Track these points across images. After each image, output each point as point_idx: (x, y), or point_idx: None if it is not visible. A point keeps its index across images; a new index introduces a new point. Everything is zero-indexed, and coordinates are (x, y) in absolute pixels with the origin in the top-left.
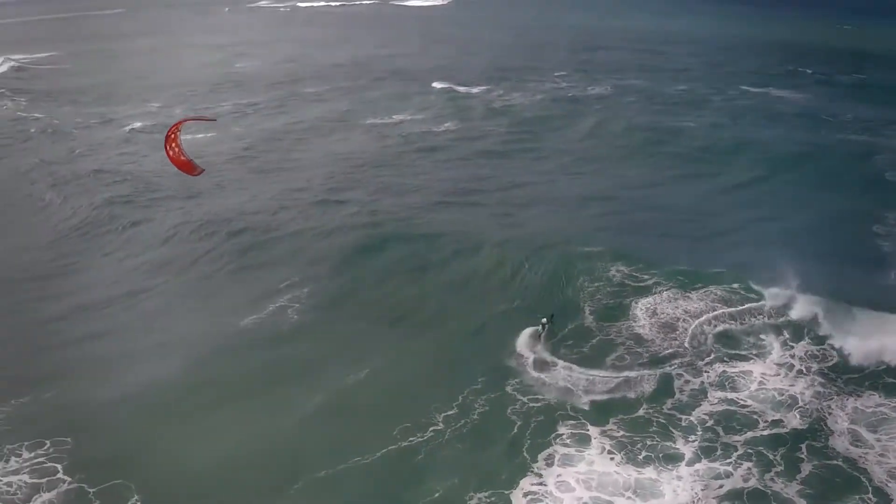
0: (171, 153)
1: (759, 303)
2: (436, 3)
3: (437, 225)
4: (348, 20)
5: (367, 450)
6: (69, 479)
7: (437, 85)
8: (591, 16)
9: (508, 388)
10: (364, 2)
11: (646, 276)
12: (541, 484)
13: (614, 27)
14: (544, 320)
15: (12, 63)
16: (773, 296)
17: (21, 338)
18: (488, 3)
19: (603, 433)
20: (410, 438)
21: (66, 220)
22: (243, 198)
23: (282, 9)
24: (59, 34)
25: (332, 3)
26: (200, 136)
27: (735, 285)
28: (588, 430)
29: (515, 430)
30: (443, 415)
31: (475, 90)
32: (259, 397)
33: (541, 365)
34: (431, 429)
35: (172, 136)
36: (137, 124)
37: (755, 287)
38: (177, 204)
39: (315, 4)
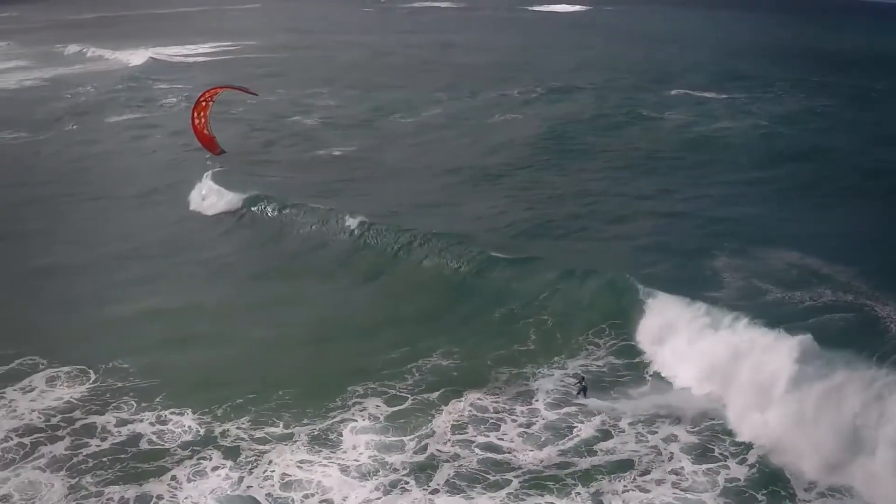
0: (196, 123)
1: None
2: (571, 9)
3: None
4: (492, 24)
5: None
6: None
7: (675, 91)
8: (734, 26)
9: None
10: (501, 6)
11: None
12: None
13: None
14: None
15: (177, 58)
16: None
17: None
18: (624, 12)
19: None
20: None
21: None
22: None
23: (417, 6)
24: (202, 28)
25: (453, 6)
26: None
27: None
28: None
29: None
30: None
31: (721, 95)
32: None
33: None
34: None
35: (204, 103)
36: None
37: None
38: None
39: (441, 5)
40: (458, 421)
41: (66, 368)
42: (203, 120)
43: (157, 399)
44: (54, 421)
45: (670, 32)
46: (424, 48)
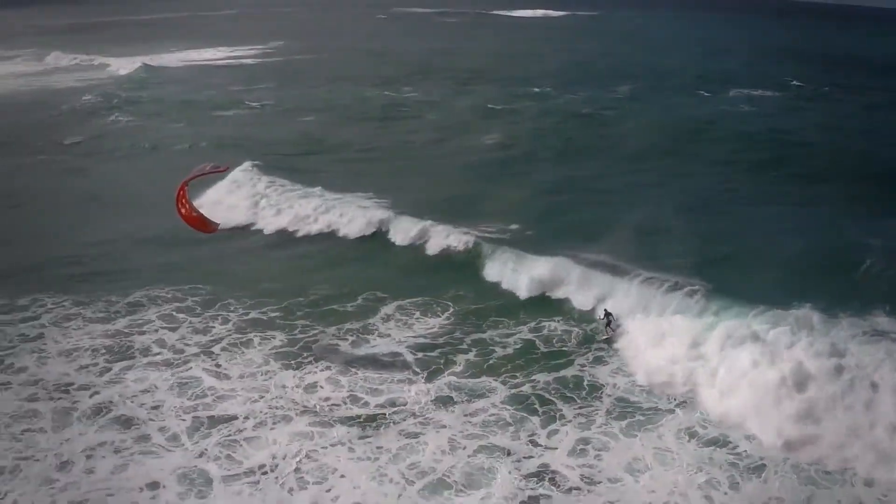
0: (182, 211)
1: None
2: (556, 14)
3: None
4: (477, 29)
5: None
6: None
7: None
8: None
9: None
10: (477, 11)
11: None
12: None
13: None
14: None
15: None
16: None
17: None
18: (601, 17)
19: None
20: None
21: None
22: None
23: (397, 12)
24: (209, 33)
25: (432, 9)
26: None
27: None
28: None
29: None
30: None
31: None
32: None
33: None
34: None
35: (182, 193)
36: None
37: None
38: None
39: (419, 11)
40: None
41: (410, 300)
42: (188, 205)
43: (521, 315)
44: (442, 340)
45: (651, 35)
46: (426, 53)
